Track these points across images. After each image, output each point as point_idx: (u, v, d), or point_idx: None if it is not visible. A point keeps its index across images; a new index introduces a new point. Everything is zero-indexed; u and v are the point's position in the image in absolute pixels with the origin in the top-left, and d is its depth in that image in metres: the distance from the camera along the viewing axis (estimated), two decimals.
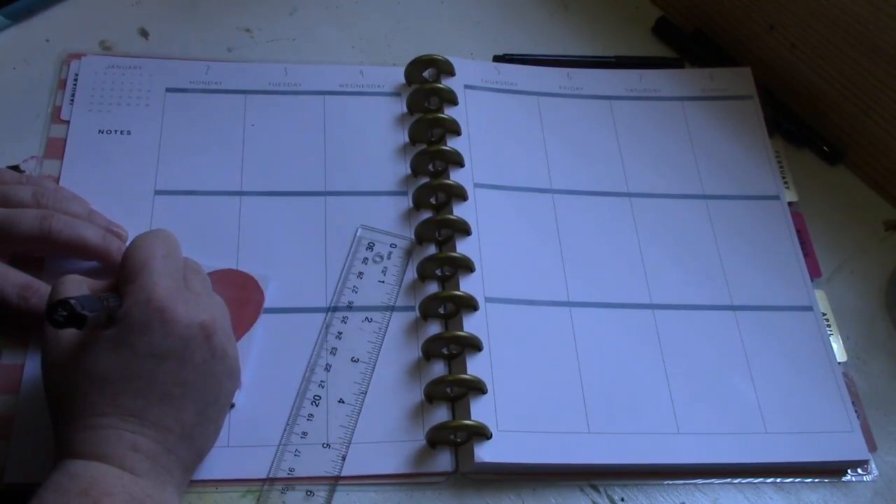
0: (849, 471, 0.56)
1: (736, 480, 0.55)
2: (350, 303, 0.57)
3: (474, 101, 0.66)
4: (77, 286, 0.47)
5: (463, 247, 0.58)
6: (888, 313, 0.62)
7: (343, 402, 0.53)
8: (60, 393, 0.45)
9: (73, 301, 0.42)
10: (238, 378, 0.49)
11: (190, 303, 0.46)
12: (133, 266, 0.46)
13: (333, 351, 0.55)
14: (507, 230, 0.60)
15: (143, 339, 0.44)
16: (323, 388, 0.54)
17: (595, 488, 0.54)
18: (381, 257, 0.57)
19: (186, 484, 0.47)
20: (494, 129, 0.65)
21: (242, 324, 0.54)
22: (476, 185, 0.62)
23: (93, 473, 0.42)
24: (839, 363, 0.59)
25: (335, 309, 0.56)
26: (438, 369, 0.55)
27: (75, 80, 0.63)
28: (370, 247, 0.58)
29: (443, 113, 0.63)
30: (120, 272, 0.47)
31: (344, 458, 0.52)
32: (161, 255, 0.47)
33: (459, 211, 0.60)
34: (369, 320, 0.56)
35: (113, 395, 0.44)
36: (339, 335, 0.55)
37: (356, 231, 0.59)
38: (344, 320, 0.56)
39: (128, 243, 0.49)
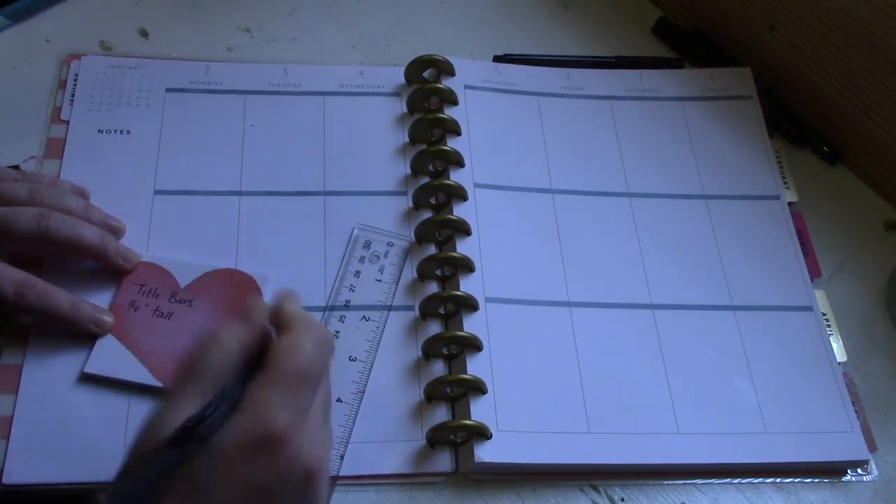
0: (849, 471, 0.56)
1: (736, 480, 0.55)
2: (347, 301, 0.56)
3: (474, 101, 0.66)
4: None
5: (463, 247, 0.58)
6: (888, 313, 0.62)
7: (341, 402, 0.53)
8: None
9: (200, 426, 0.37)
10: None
11: (307, 440, 0.39)
12: (271, 368, 0.39)
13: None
14: (507, 230, 0.60)
15: (246, 464, 0.38)
16: None
17: (595, 488, 0.54)
18: (378, 256, 0.57)
19: None
20: (494, 130, 0.65)
21: None
22: (476, 185, 0.62)
23: None
24: (839, 363, 0.59)
25: (332, 308, 0.56)
26: (438, 369, 0.55)
27: (75, 80, 0.63)
28: (367, 245, 0.58)
29: (443, 113, 0.63)
30: (263, 366, 0.40)
31: (342, 458, 0.52)
32: (306, 371, 0.40)
33: (459, 211, 0.60)
34: (367, 319, 0.56)
35: None
36: (336, 334, 0.55)
37: (353, 230, 0.59)
38: (341, 319, 0.56)
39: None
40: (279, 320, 0.42)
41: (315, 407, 0.41)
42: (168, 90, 0.64)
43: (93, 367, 0.52)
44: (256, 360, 0.41)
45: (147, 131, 0.62)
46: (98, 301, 0.54)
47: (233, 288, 0.56)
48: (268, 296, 0.56)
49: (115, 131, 0.62)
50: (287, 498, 0.39)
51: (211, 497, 0.37)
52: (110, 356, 0.52)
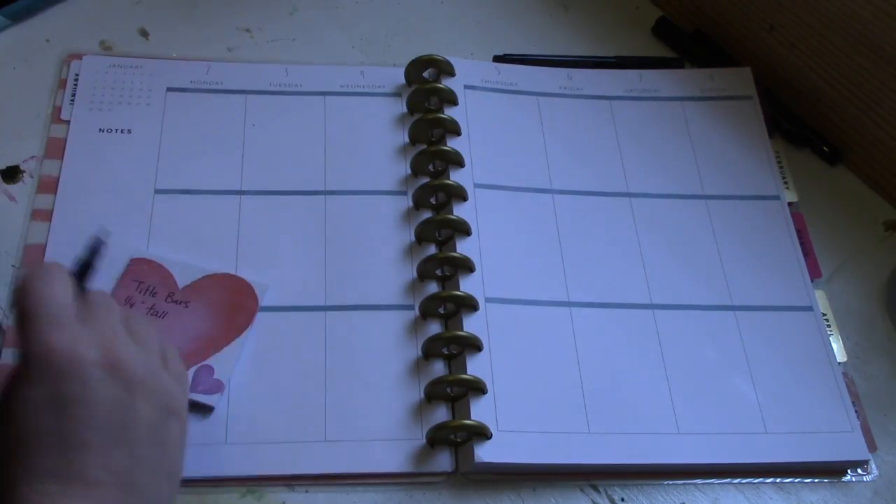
0: (849, 471, 0.56)
1: (736, 480, 0.55)
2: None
3: (474, 101, 0.66)
4: None
5: (463, 247, 0.58)
6: (888, 313, 0.62)
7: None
8: None
9: None
10: (182, 415, 0.44)
11: (82, 339, 0.41)
12: (20, 318, 0.41)
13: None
14: (507, 230, 0.60)
15: (36, 391, 0.39)
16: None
17: (595, 488, 0.54)
18: None
19: None
20: (494, 130, 0.65)
21: (233, 329, 0.54)
22: (476, 185, 0.62)
23: None
24: (839, 363, 0.59)
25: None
26: (438, 369, 0.55)
27: (76, 79, 0.63)
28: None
29: (443, 113, 0.63)
30: (17, 325, 0.42)
31: (342, 457, 0.52)
32: (47, 299, 0.41)
33: (459, 211, 0.60)
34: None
35: (21, 458, 0.38)
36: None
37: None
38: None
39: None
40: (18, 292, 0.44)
41: (88, 317, 0.42)
42: (169, 90, 0.64)
43: None
44: None
45: (148, 130, 0.62)
46: None
47: (230, 293, 0.56)
48: (267, 294, 0.56)
49: (116, 130, 0.62)
50: (101, 393, 0.40)
51: (32, 437, 0.39)
52: None
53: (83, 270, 0.45)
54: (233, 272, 0.57)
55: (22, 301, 0.41)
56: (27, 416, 0.39)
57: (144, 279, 0.55)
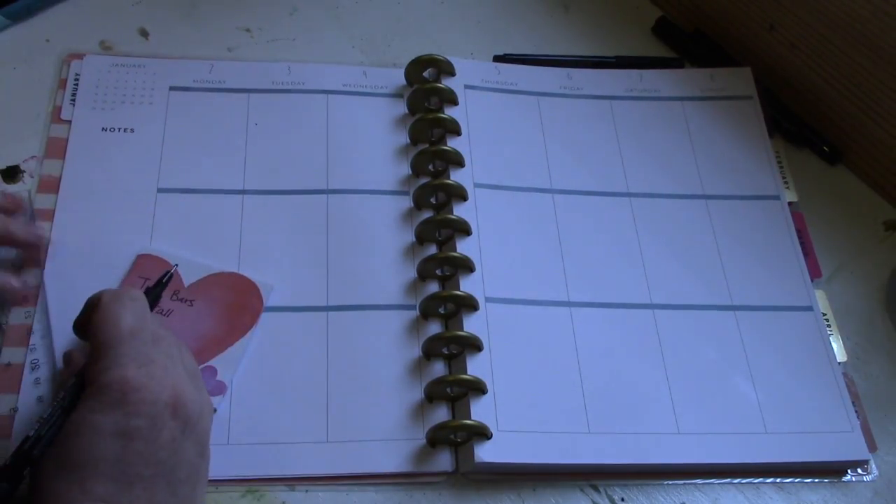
0: (849, 471, 0.56)
1: (736, 480, 0.55)
2: None
3: (474, 101, 0.66)
4: None
5: (463, 247, 0.58)
6: (888, 313, 0.62)
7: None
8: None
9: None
10: (208, 454, 0.46)
11: (159, 379, 0.43)
12: (98, 343, 0.44)
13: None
14: (507, 230, 0.60)
15: (108, 419, 0.42)
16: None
17: (595, 488, 0.54)
18: None
19: None
20: (494, 129, 0.65)
21: (237, 330, 0.54)
22: (476, 185, 0.62)
23: None
24: (839, 363, 0.59)
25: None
26: (439, 369, 0.55)
27: (76, 79, 0.63)
28: None
29: (443, 113, 0.63)
30: (91, 346, 0.45)
31: (343, 457, 0.52)
32: (128, 329, 0.44)
33: (459, 211, 0.60)
34: None
35: (81, 480, 0.41)
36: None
37: None
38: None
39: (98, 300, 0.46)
40: (88, 307, 0.46)
41: (157, 352, 0.45)
42: (172, 88, 0.64)
43: None
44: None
45: (151, 129, 0.62)
46: None
47: (235, 293, 0.56)
48: (269, 294, 0.56)
49: (119, 130, 0.62)
50: (164, 433, 0.42)
51: (96, 461, 0.41)
52: None
53: (152, 300, 0.46)
54: (236, 271, 0.57)
55: (100, 323, 0.44)
56: (93, 441, 0.41)
57: (151, 276, 0.55)
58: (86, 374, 0.44)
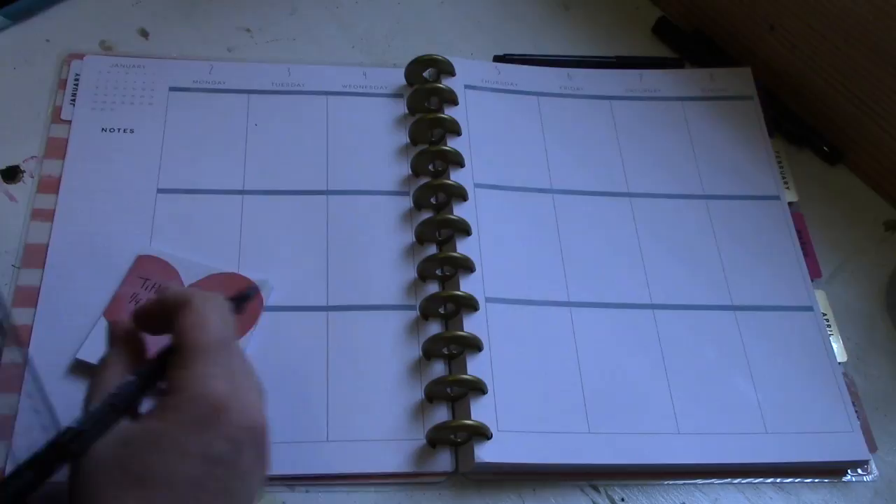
0: (849, 471, 0.56)
1: (736, 480, 0.55)
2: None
3: (474, 101, 0.66)
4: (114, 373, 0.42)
5: (463, 247, 0.58)
6: (888, 313, 0.62)
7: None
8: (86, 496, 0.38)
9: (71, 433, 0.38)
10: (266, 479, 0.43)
11: (245, 401, 0.40)
12: (188, 347, 0.41)
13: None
14: (507, 230, 0.60)
15: (196, 438, 0.38)
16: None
17: (595, 488, 0.54)
18: None
19: None
20: (494, 129, 0.65)
21: (237, 330, 0.54)
22: (476, 185, 0.62)
23: None
24: (839, 363, 0.59)
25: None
26: (439, 369, 0.55)
27: (76, 79, 0.63)
28: None
29: (443, 113, 0.63)
30: (177, 350, 0.41)
31: (343, 457, 0.52)
32: (219, 337, 0.41)
33: (459, 211, 0.60)
34: None
35: (151, 499, 0.37)
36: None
37: None
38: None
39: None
40: (171, 304, 0.43)
41: (239, 366, 0.42)
42: (172, 89, 0.64)
43: (85, 355, 0.52)
44: (167, 353, 0.42)
45: (150, 130, 0.62)
46: (100, 292, 0.54)
47: (234, 293, 0.55)
48: (268, 302, 0.56)
49: (119, 130, 0.62)
50: (243, 459, 0.39)
51: (174, 483, 0.38)
52: (102, 345, 0.52)
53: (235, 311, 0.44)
54: (236, 272, 0.57)
55: (192, 327, 0.41)
56: (177, 460, 0.38)
57: (150, 276, 0.55)
58: (168, 379, 0.41)
